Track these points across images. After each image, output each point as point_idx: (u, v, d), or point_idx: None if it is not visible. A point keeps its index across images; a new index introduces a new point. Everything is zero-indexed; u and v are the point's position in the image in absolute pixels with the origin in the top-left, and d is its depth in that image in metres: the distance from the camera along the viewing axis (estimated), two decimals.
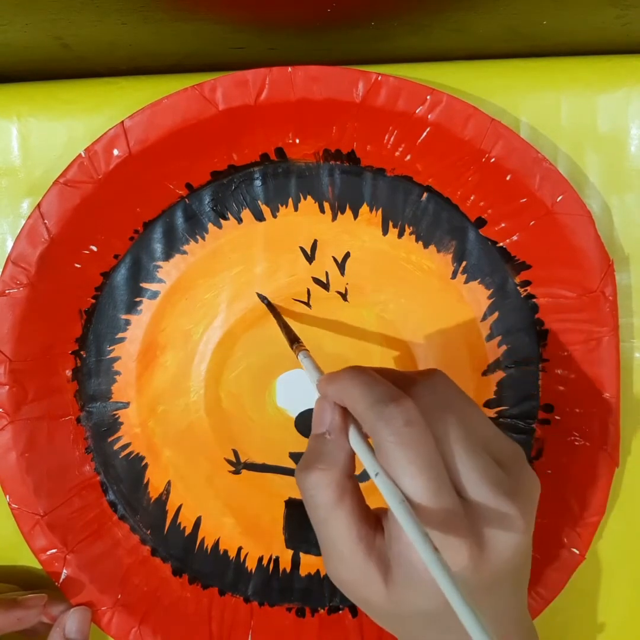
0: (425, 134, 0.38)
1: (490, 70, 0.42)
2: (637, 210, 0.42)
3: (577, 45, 0.42)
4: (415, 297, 0.42)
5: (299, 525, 0.43)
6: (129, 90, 0.42)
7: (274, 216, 0.42)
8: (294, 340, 0.38)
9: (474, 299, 0.42)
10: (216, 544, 0.43)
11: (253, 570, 0.43)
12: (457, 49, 0.42)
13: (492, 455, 0.29)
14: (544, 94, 0.41)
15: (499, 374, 0.42)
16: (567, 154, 0.41)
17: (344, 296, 0.42)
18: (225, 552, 0.43)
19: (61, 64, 0.43)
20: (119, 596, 0.40)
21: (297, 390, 0.43)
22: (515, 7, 0.36)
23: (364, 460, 0.28)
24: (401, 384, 0.30)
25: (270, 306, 0.42)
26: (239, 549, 0.43)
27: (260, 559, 0.43)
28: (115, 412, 0.43)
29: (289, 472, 0.43)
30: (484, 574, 0.27)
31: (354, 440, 0.29)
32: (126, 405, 0.43)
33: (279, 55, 0.41)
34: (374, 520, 0.29)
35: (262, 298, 0.42)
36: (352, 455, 0.30)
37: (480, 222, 0.41)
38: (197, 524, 0.43)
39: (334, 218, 0.42)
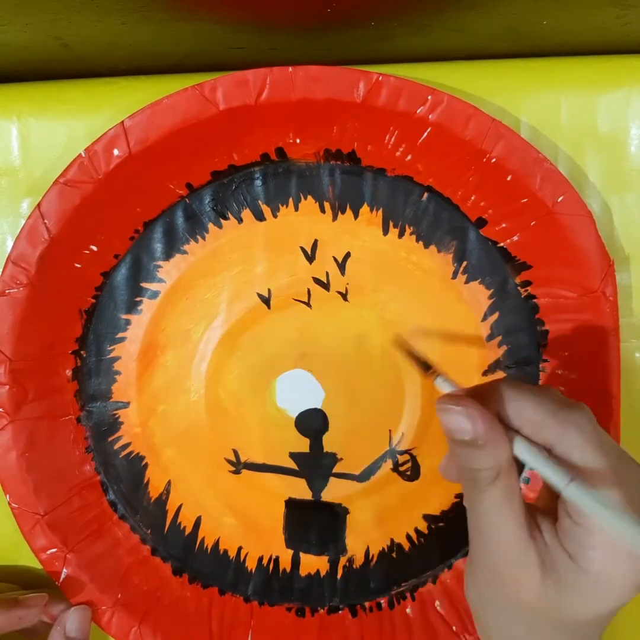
0: (426, 134, 0.38)
1: (491, 70, 0.42)
2: (637, 210, 0.42)
3: (577, 45, 0.42)
4: (415, 297, 0.42)
5: (299, 525, 0.43)
6: (129, 90, 0.42)
7: (275, 216, 0.42)
8: (427, 367, 0.34)
9: (474, 299, 0.42)
10: (216, 544, 0.43)
11: (253, 570, 0.43)
12: (457, 49, 0.42)
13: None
14: (544, 94, 0.41)
15: (499, 374, 0.42)
16: (567, 154, 0.41)
17: (344, 296, 0.42)
18: (225, 551, 0.43)
19: (61, 64, 0.43)
20: (119, 595, 0.41)
21: (297, 390, 0.42)
22: (515, 7, 0.36)
23: (548, 472, 0.28)
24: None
25: (404, 345, 0.39)
26: (239, 548, 0.43)
27: (260, 559, 0.43)
28: (115, 412, 0.43)
29: (289, 472, 0.43)
30: None
31: (527, 452, 0.28)
32: (126, 405, 0.43)
33: (279, 55, 0.41)
34: (531, 512, 0.29)
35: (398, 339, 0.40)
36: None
37: (481, 222, 0.41)
38: (197, 523, 0.43)
39: (335, 218, 0.42)
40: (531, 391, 0.30)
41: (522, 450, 0.29)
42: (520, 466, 0.29)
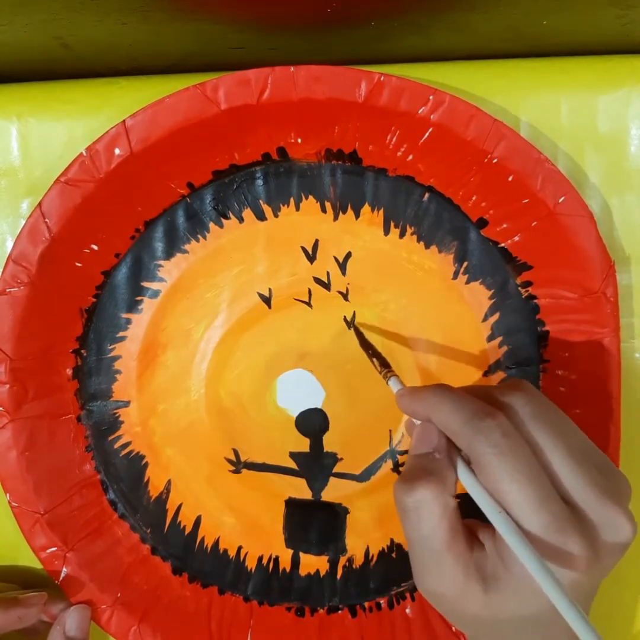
0: (427, 134, 0.38)
1: (491, 71, 0.42)
2: (637, 210, 0.42)
3: (577, 45, 0.41)
4: (416, 298, 0.42)
5: (299, 525, 0.43)
6: (129, 91, 0.42)
7: (276, 216, 0.42)
8: (384, 365, 0.38)
9: (475, 300, 0.42)
10: (216, 543, 0.43)
11: (253, 570, 0.43)
12: (457, 49, 0.42)
13: (590, 462, 0.29)
14: (544, 94, 0.41)
15: (500, 375, 0.42)
16: (567, 154, 0.41)
17: (345, 296, 0.42)
18: (225, 551, 0.43)
19: (61, 64, 0.42)
20: (119, 595, 0.41)
21: (297, 390, 0.42)
22: (515, 7, 0.36)
23: (470, 485, 0.29)
24: (490, 400, 0.30)
25: (358, 331, 0.42)
26: (239, 548, 0.43)
27: (260, 559, 0.43)
28: (115, 411, 0.43)
29: (289, 471, 0.43)
30: (595, 576, 0.29)
31: (464, 474, 0.30)
32: (127, 404, 0.43)
33: (279, 55, 0.41)
34: (469, 533, 0.30)
35: (351, 324, 0.42)
36: (456, 475, 0.31)
37: (482, 223, 0.41)
38: (197, 523, 0.43)
39: (336, 218, 0.42)
40: (453, 397, 0.30)
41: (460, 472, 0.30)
42: None
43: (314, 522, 0.43)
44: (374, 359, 0.39)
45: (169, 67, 0.42)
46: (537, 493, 0.27)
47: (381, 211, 0.41)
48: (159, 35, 0.39)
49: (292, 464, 0.43)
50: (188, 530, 0.43)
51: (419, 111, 0.37)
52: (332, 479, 0.43)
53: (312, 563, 0.43)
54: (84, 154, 0.38)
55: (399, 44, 0.42)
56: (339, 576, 0.43)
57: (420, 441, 0.32)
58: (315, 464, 0.43)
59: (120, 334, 0.42)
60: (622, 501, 0.29)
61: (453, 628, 0.40)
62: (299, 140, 0.40)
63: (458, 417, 0.29)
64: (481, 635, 0.32)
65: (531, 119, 0.41)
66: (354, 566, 0.43)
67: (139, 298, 0.42)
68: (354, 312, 0.42)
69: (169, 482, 0.43)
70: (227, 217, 0.42)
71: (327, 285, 0.42)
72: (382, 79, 0.37)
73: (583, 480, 0.28)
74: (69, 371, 0.42)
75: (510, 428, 0.28)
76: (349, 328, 0.42)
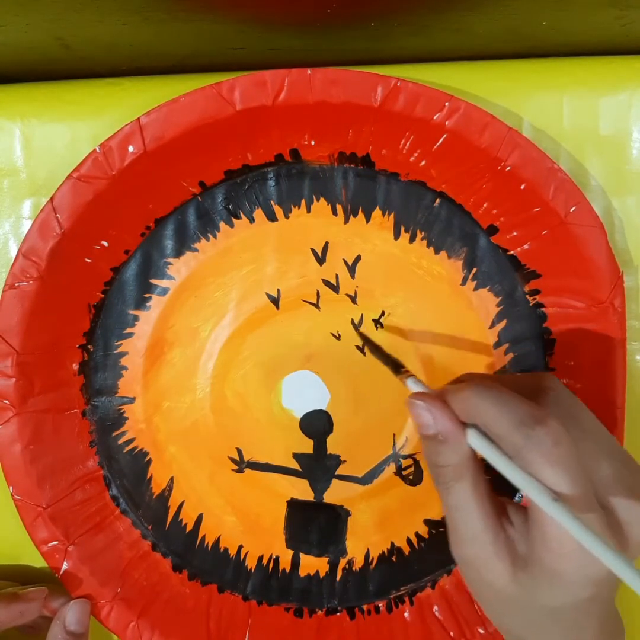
0: (441, 140, 0.38)
1: (492, 72, 0.41)
2: (638, 213, 0.42)
3: (577, 45, 0.41)
4: (424, 302, 0.42)
5: (300, 525, 0.43)
6: (132, 91, 0.42)
7: (286, 217, 0.42)
8: (399, 367, 0.36)
9: (482, 306, 0.42)
10: (217, 542, 0.43)
11: (253, 569, 0.43)
12: (457, 49, 0.42)
13: (617, 459, 0.30)
14: (546, 96, 0.41)
15: None
16: (569, 157, 0.41)
17: (353, 299, 0.42)
18: (226, 550, 0.43)
19: (62, 65, 0.42)
20: (119, 590, 0.41)
21: (302, 391, 0.43)
22: (515, 8, 0.36)
23: (500, 465, 0.28)
24: (524, 394, 0.30)
25: (366, 339, 0.41)
26: (240, 547, 0.43)
27: (260, 558, 0.43)
28: (120, 407, 0.43)
29: (292, 472, 0.43)
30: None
31: (483, 447, 0.29)
32: (132, 400, 0.43)
33: (278, 55, 0.41)
34: (501, 509, 0.30)
35: (359, 332, 0.42)
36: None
37: (492, 230, 0.41)
38: (199, 521, 0.43)
39: (346, 221, 0.42)
40: (495, 400, 0.29)
41: (489, 454, 0.29)
42: None
43: (315, 524, 0.43)
44: (383, 358, 0.38)
45: (170, 68, 0.42)
46: (582, 499, 0.27)
47: (392, 215, 0.41)
48: (160, 36, 0.39)
49: (295, 465, 0.43)
50: (189, 528, 0.43)
51: (434, 117, 0.37)
52: (334, 481, 0.43)
53: (312, 564, 0.43)
54: (97, 150, 0.38)
55: (399, 44, 0.41)
56: (338, 578, 0.43)
57: (421, 426, 0.30)
58: (318, 466, 0.43)
59: (128, 330, 0.42)
60: None
61: (451, 633, 0.40)
62: (313, 143, 0.40)
63: (505, 423, 0.28)
64: (506, 616, 0.32)
65: (533, 120, 0.41)
66: (353, 568, 0.43)
67: (147, 295, 0.42)
68: (362, 315, 0.42)
69: (171, 479, 0.43)
70: (238, 217, 0.42)
71: (335, 288, 0.42)
72: (398, 84, 0.37)
73: (614, 479, 0.29)
74: (75, 366, 0.42)
75: (560, 435, 0.27)
76: (356, 331, 0.42)
